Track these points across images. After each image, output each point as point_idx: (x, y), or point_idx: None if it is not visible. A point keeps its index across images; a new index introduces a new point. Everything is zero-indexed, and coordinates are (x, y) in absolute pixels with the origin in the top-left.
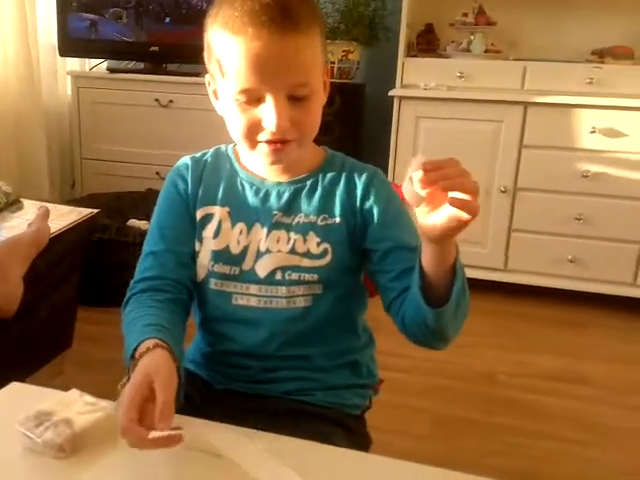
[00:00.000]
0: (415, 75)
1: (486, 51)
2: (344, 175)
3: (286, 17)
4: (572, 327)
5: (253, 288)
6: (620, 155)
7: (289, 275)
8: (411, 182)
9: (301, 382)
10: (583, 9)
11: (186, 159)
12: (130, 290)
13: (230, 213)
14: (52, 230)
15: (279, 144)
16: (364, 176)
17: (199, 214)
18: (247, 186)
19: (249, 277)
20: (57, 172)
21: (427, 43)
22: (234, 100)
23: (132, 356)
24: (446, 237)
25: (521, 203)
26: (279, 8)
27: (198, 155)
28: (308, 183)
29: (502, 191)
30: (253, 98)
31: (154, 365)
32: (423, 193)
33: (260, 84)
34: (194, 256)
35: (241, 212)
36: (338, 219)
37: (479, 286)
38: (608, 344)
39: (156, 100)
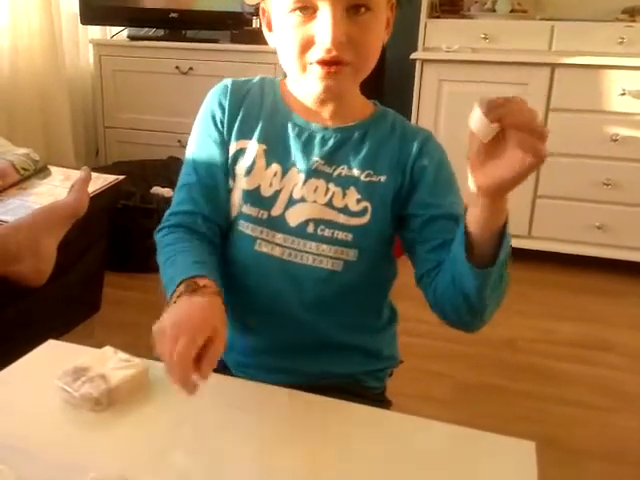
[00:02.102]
0: (437, 37)
1: (512, 11)
2: (397, 132)
3: None
4: (598, 295)
5: (279, 237)
6: None
7: (322, 230)
8: (481, 111)
9: (314, 375)
10: None
11: (227, 81)
12: (164, 221)
13: (266, 151)
14: None
15: (333, 66)
16: (419, 136)
17: (233, 148)
18: (289, 125)
19: (277, 224)
20: (81, 140)
21: (450, 4)
22: (287, 16)
23: (179, 284)
24: (504, 189)
25: (547, 168)
26: None
27: (241, 80)
28: (356, 133)
29: None
30: (309, 11)
31: (213, 307)
32: (493, 125)
33: None
34: (228, 192)
35: (278, 152)
36: (384, 177)
37: None
38: (634, 312)
39: (176, 67)
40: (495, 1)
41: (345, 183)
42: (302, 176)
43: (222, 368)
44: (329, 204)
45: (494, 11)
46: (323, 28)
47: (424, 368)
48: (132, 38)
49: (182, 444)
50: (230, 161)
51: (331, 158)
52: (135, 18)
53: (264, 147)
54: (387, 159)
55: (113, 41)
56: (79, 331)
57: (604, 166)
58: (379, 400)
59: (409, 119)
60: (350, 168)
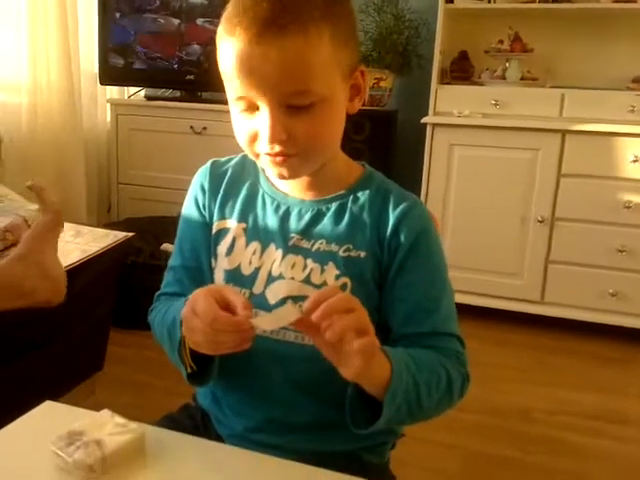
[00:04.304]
0: (449, 102)
1: (522, 78)
2: (379, 200)
3: (278, 15)
4: (613, 364)
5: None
6: None
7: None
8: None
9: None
10: (622, 36)
11: (208, 164)
12: (155, 301)
13: (246, 230)
14: (88, 253)
15: (279, 157)
16: (401, 206)
17: (214, 228)
18: (268, 201)
19: (259, 302)
20: (94, 196)
21: (461, 70)
22: (235, 108)
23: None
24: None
25: (559, 233)
26: (273, 5)
27: (222, 160)
28: (334, 205)
29: (539, 221)
30: (250, 106)
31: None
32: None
33: (251, 91)
34: (212, 273)
35: (258, 230)
36: (364, 252)
37: (514, 318)
38: None
39: (190, 127)
40: (505, 69)
41: (323, 258)
42: (280, 252)
43: (217, 439)
44: (307, 280)
45: (504, 78)
46: (262, 126)
47: (432, 439)
48: (149, 98)
49: None
50: (212, 241)
51: (308, 233)
52: (152, 79)
53: (243, 225)
54: (367, 232)
55: (130, 101)
56: (80, 389)
57: (618, 233)
58: (381, 475)
59: (419, 183)
60: (328, 242)
